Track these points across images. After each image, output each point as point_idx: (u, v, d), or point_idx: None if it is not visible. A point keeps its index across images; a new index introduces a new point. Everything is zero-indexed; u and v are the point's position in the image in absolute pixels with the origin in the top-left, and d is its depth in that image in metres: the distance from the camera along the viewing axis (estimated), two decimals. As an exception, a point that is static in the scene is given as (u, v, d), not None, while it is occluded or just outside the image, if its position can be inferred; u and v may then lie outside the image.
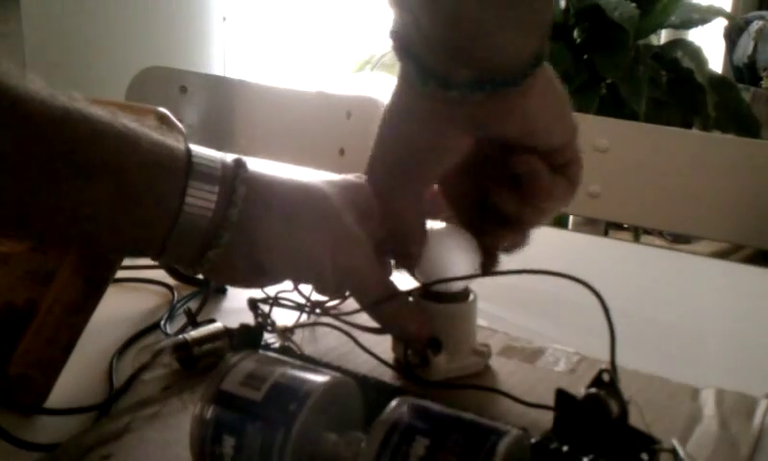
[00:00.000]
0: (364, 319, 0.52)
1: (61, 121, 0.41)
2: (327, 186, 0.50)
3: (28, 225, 0.43)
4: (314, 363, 0.49)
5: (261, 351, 0.42)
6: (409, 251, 0.52)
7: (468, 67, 0.44)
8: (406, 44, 0.46)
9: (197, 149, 0.45)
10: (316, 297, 0.55)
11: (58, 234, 0.44)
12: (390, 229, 0.51)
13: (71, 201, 0.41)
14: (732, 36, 3.24)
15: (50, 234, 0.44)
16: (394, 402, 0.37)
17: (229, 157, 0.47)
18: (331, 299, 0.54)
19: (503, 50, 0.44)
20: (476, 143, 0.49)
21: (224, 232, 0.45)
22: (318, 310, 0.56)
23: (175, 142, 0.45)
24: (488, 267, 0.53)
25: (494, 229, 0.52)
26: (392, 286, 0.51)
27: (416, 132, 0.48)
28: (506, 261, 0.54)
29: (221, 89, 1.43)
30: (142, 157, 0.43)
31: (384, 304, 0.50)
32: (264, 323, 0.55)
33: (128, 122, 0.43)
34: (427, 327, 0.51)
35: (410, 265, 0.53)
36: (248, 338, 0.48)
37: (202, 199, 0.44)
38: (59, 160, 0.40)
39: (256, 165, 0.48)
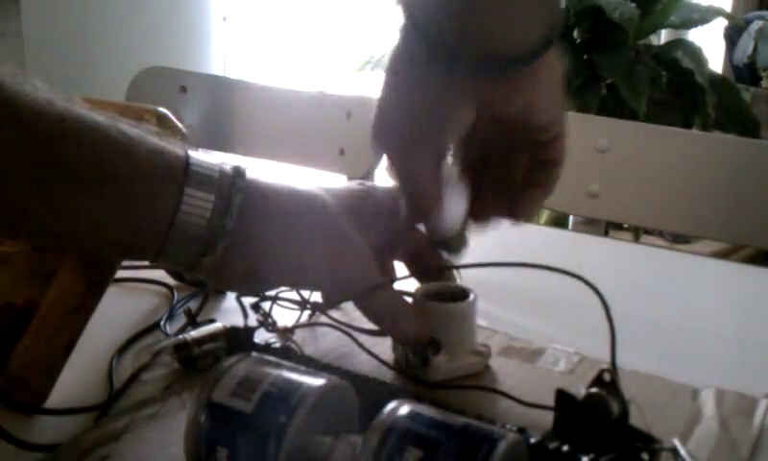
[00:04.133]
0: (364, 320, 0.52)
1: (57, 127, 0.40)
2: (328, 195, 0.49)
3: (21, 229, 0.43)
4: (314, 363, 0.49)
5: (256, 354, 0.42)
6: (426, 209, 0.50)
7: (479, 44, 0.43)
8: (414, 16, 0.44)
9: (196, 156, 0.45)
10: (315, 297, 0.55)
11: (52, 238, 0.44)
12: (407, 191, 0.50)
13: (65, 207, 0.41)
14: (732, 37, 3.23)
15: (44, 238, 0.44)
16: (388, 407, 0.37)
17: (228, 165, 0.47)
18: (331, 306, 0.54)
19: (515, 26, 0.43)
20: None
21: (219, 240, 0.44)
22: (317, 311, 0.57)
23: (174, 148, 0.45)
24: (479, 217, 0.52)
25: (504, 191, 0.52)
26: (394, 293, 0.51)
27: (429, 102, 0.47)
28: (507, 260, 0.54)
29: (221, 89, 1.43)
30: (139, 164, 0.43)
31: (383, 309, 0.50)
32: (265, 322, 0.55)
33: (126, 128, 0.43)
34: (426, 329, 0.51)
35: (429, 223, 0.51)
36: (239, 340, 0.48)
37: (197, 206, 0.44)
38: (52, 166, 0.40)
39: (256, 172, 0.48)
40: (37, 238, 0.46)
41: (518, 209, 0.51)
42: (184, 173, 0.44)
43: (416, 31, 0.44)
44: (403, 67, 0.47)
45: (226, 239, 0.45)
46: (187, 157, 0.45)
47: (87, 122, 0.42)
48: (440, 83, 0.45)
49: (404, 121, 0.48)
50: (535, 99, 0.46)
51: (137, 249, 0.45)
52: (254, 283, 0.50)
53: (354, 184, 0.52)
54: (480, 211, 0.52)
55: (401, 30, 0.46)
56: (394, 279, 0.55)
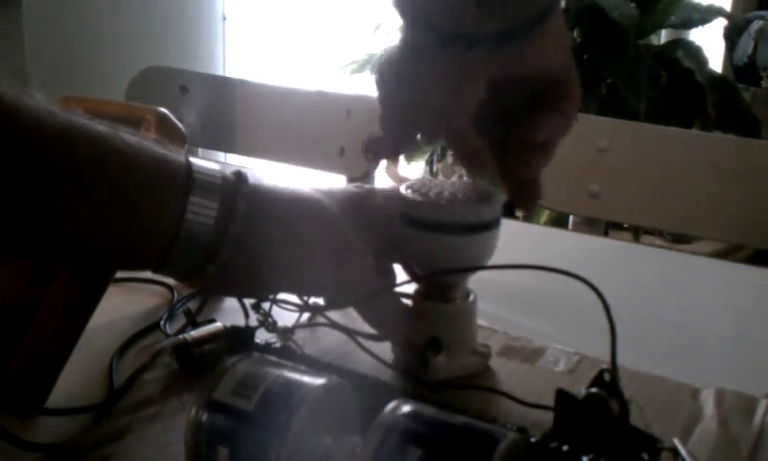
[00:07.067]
0: (364, 323, 0.52)
1: (61, 139, 0.40)
2: (329, 199, 0.49)
3: (25, 243, 0.42)
4: (314, 363, 0.49)
5: (256, 354, 0.42)
6: (482, 163, 0.50)
7: (497, 22, 0.45)
8: (426, 13, 0.46)
9: (197, 163, 0.45)
10: (314, 299, 0.55)
11: (55, 251, 0.44)
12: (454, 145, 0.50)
13: (69, 221, 0.41)
14: (733, 37, 3.23)
15: (48, 252, 0.44)
16: (389, 406, 0.36)
17: (230, 170, 0.46)
18: (333, 309, 0.54)
19: None
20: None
21: (223, 248, 0.44)
22: (317, 313, 0.57)
23: (176, 156, 0.44)
24: (528, 198, 0.51)
25: (522, 155, 0.51)
26: (393, 297, 0.51)
27: (445, 85, 0.48)
28: (506, 260, 0.54)
29: (221, 89, 1.43)
30: (143, 175, 0.42)
31: (382, 314, 0.50)
32: (265, 322, 0.55)
33: (128, 137, 0.43)
34: (424, 334, 0.51)
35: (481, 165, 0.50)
36: (239, 340, 0.48)
37: (202, 215, 0.43)
38: (58, 179, 0.40)
39: (257, 176, 0.47)
40: (40, 253, 0.45)
41: (543, 140, 0.50)
42: (187, 181, 0.44)
43: (427, 26, 0.46)
44: (408, 64, 0.49)
45: (229, 247, 0.44)
46: (189, 164, 0.44)
47: (91, 134, 0.41)
48: (453, 68, 0.47)
49: (418, 107, 0.49)
50: (548, 54, 0.48)
51: (140, 259, 0.45)
52: (257, 290, 0.50)
53: (353, 187, 0.52)
54: (508, 172, 0.51)
55: (402, 30, 0.46)
56: (393, 282, 0.55)
